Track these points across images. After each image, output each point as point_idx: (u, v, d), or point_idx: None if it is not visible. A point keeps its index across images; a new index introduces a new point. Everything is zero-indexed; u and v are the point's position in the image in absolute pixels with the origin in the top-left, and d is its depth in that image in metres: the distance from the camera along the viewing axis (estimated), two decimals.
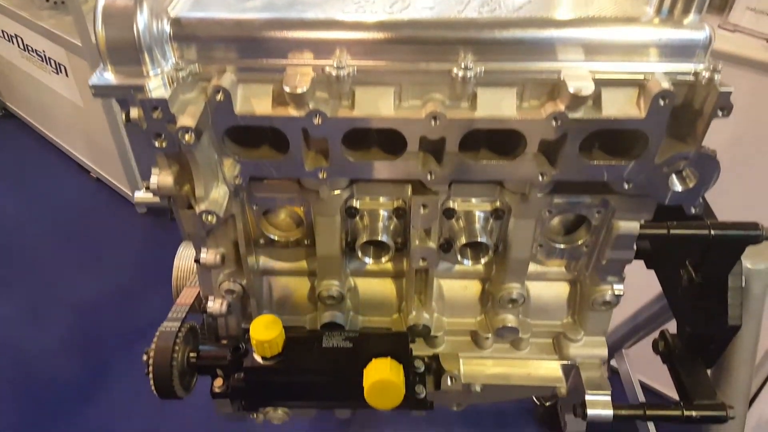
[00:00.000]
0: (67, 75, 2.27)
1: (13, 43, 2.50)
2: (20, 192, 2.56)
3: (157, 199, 0.59)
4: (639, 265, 0.81)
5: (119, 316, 1.94)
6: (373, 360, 0.65)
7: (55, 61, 2.29)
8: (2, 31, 2.52)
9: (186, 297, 0.78)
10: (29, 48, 2.41)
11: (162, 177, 0.57)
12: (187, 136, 0.51)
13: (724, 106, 0.51)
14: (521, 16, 0.52)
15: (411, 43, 0.52)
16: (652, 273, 0.87)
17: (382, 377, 0.63)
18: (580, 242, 0.69)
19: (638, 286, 0.88)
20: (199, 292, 0.78)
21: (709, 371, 0.80)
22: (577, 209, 0.65)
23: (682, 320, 0.80)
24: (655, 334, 0.86)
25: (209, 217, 0.58)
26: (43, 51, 2.32)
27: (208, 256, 0.70)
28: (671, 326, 0.88)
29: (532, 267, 0.73)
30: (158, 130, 0.52)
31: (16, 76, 2.68)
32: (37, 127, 2.84)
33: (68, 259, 2.20)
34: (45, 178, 2.63)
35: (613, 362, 1.40)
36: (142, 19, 0.50)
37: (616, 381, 1.35)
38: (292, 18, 0.53)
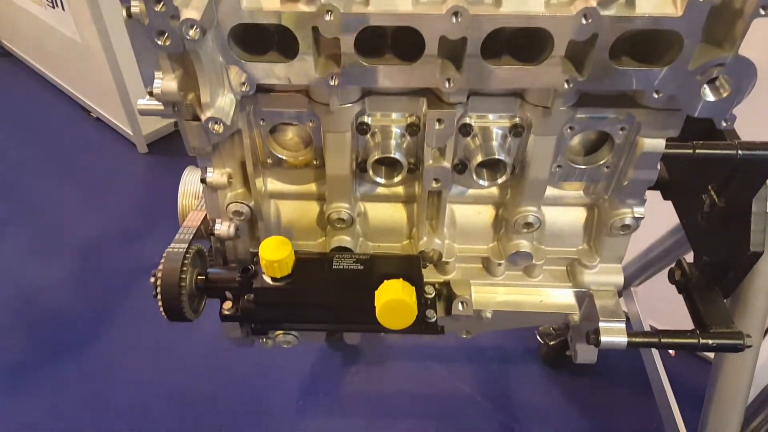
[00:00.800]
0: (63, 9, 2.19)
1: None
2: (19, 131, 2.53)
3: (161, 107, 0.56)
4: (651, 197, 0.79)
5: (122, 256, 1.94)
6: (385, 281, 0.64)
7: None
8: None
9: (192, 220, 0.76)
10: None
11: (166, 81, 0.54)
12: (191, 32, 0.48)
13: (767, 3, 0.47)
14: None
15: None
16: (662, 208, 0.84)
17: (394, 296, 0.62)
18: (602, 162, 0.66)
19: (649, 222, 0.85)
20: (205, 216, 0.77)
21: (726, 301, 0.79)
22: (600, 125, 0.62)
23: (701, 249, 0.78)
24: (664, 274, 0.84)
25: (215, 126, 0.56)
26: None
27: (214, 175, 0.68)
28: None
29: (549, 191, 0.70)
30: (161, 27, 0.49)
31: (12, 12, 2.59)
32: (35, 66, 2.77)
33: (69, 198, 2.19)
34: (44, 117, 2.59)
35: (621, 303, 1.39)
36: None
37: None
38: None
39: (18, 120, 2.59)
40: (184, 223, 0.77)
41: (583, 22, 0.49)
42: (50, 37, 2.41)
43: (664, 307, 0.91)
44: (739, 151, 0.64)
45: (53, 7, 2.26)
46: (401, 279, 0.63)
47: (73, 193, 2.21)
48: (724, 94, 0.55)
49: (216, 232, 0.73)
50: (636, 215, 0.68)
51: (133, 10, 0.49)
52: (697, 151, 0.65)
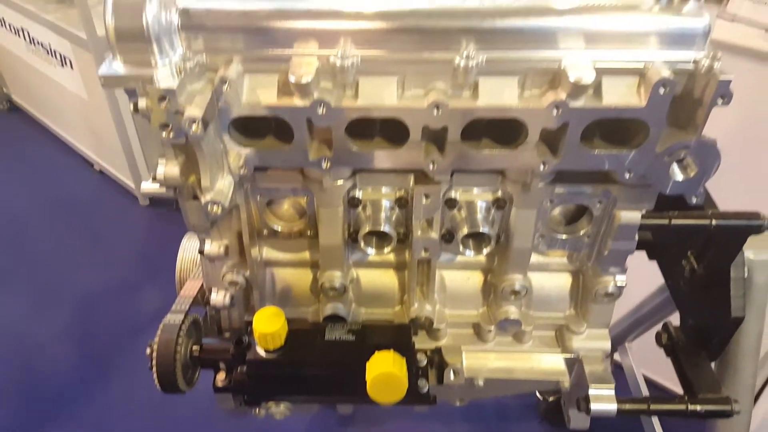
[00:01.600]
0: (72, 68, 2.28)
1: (19, 36, 2.51)
2: (24, 184, 2.58)
3: (163, 190, 0.60)
4: (640, 256, 0.82)
5: (122, 309, 1.95)
6: (376, 353, 0.65)
7: (60, 54, 2.30)
8: (9, 25, 2.54)
9: (189, 289, 0.78)
10: (35, 41, 2.42)
11: (168, 168, 0.57)
12: (194, 127, 0.52)
13: (724, 94, 0.52)
14: (522, 5, 0.52)
15: (413, 33, 0.53)
16: (653, 264, 0.87)
17: (384, 370, 0.63)
18: (581, 233, 0.69)
19: (641, 278, 0.88)
20: (202, 284, 0.79)
21: (713, 364, 0.80)
22: (578, 199, 0.66)
23: (685, 312, 0.80)
24: (658, 327, 0.86)
25: (215, 208, 0.59)
26: (49, 44, 2.34)
27: (212, 247, 0.71)
28: (674, 319, 0.89)
29: (534, 258, 0.73)
30: (166, 121, 0.53)
31: (22, 69, 2.69)
32: (42, 120, 2.86)
33: (71, 251, 2.21)
34: (49, 170, 2.65)
35: (616, 356, 1.40)
36: (151, 10, 0.51)
37: (619, 375, 1.35)
38: (297, 8, 0.53)
39: (23, 172, 2.66)
40: (181, 292, 0.79)
41: (554, 113, 0.53)
42: (58, 93, 2.50)
43: (657, 356, 0.93)
44: (713, 221, 0.68)
45: (62, 66, 2.35)
46: (392, 350, 0.65)
47: (75, 245, 2.24)
48: (692, 174, 0.58)
49: (212, 301, 0.75)
50: (618, 284, 0.70)
51: (140, 105, 0.53)
52: (672, 221, 0.68)
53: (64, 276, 2.10)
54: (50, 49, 2.35)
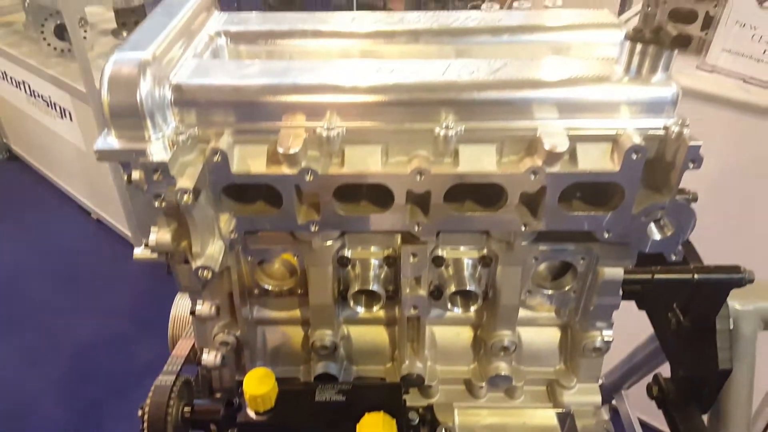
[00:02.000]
0: (71, 119, 2.33)
1: (20, 88, 2.57)
2: (22, 232, 2.59)
3: (155, 256, 0.61)
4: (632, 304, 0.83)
5: (116, 360, 1.93)
6: (366, 415, 0.65)
7: (60, 107, 2.36)
8: (10, 78, 2.60)
9: (181, 348, 0.79)
10: (36, 93, 2.48)
11: (161, 235, 0.59)
12: (185, 197, 0.53)
13: (695, 158, 0.54)
14: (498, 78, 0.55)
15: (396, 105, 0.55)
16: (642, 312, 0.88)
17: None
18: (567, 288, 0.70)
19: (636, 322, 0.88)
20: (194, 344, 0.80)
21: (705, 416, 0.80)
22: (562, 256, 0.67)
23: (675, 363, 0.81)
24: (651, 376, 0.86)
25: (205, 273, 0.60)
26: (49, 96, 2.40)
27: (203, 308, 0.72)
28: (666, 367, 0.89)
29: (523, 312, 0.74)
30: (158, 191, 0.54)
31: (22, 120, 2.75)
32: (40, 170, 2.89)
33: (66, 301, 2.21)
34: (46, 219, 2.67)
35: (613, 401, 1.38)
36: (145, 86, 0.53)
37: (616, 420, 1.33)
38: (286, 83, 0.56)
39: (21, 220, 2.67)
40: (173, 352, 0.79)
41: (532, 178, 0.55)
42: (57, 144, 2.54)
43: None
44: (695, 276, 0.69)
45: (62, 118, 2.40)
46: (382, 411, 0.65)
47: (70, 294, 2.24)
48: (669, 233, 0.60)
49: (203, 361, 0.75)
50: (605, 339, 0.71)
51: (134, 177, 0.55)
52: (655, 276, 0.69)
53: (59, 326, 2.09)
54: (50, 102, 2.40)
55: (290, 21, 0.67)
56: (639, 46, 0.56)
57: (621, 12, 2.71)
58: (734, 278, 0.69)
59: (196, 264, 0.60)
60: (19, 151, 3.02)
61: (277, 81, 0.56)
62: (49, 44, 2.34)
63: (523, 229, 0.60)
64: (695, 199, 0.73)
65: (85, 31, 2.28)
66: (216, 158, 0.55)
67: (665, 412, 0.79)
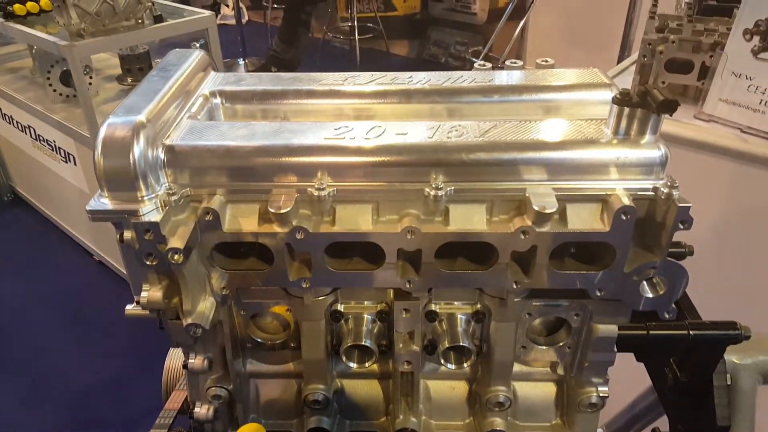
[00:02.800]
0: (75, 164, 2.37)
1: (25, 133, 2.62)
2: (24, 273, 2.60)
3: (146, 313, 0.61)
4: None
5: (115, 404, 1.91)
6: None
7: (64, 151, 2.40)
8: (17, 122, 2.66)
9: (174, 401, 0.78)
10: (41, 138, 2.53)
11: (152, 293, 0.59)
12: (176, 257, 0.54)
13: (685, 219, 0.54)
14: (487, 140, 0.56)
15: (387, 166, 0.56)
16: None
17: None
18: (561, 344, 0.69)
19: (638, 368, 0.86)
20: (187, 396, 0.79)
21: None
22: (556, 312, 0.67)
23: (673, 418, 0.79)
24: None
25: (196, 330, 0.60)
26: (54, 141, 2.44)
27: (195, 361, 0.71)
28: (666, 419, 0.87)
29: (518, 367, 0.73)
30: (149, 251, 0.55)
31: (27, 163, 2.79)
32: (44, 211, 2.92)
33: (68, 343, 2.19)
34: (49, 259, 2.68)
35: None
36: (138, 149, 0.55)
37: None
38: (277, 145, 0.57)
39: (24, 261, 2.68)
40: (166, 404, 0.78)
41: (522, 238, 0.55)
42: (60, 186, 2.57)
43: None
44: (691, 332, 0.68)
45: (66, 162, 2.43)
46: None
47: (71, 335, 2.23)
48: (661, 292, 0.60)
49: (195, 415, 0.74)
50: (601, 394, 0.70)
51: (126, 236, 0.55)
52: (650, 332, 0.69)
53: (59, 367, 2.07)
54: (55, 146, 2.44)
55: (285, 81, 0.69)
56: (627, 110, 0.57)
57: (620, 60, 2.77)
58: (731, 335, 0.69)
59: (186, 321, 0.60)
60: (24, 193, 3.05)
61: (268, 143, 0.57)
62: (54, 90, 2.39)
63: (514, 287, 0.60)
64: (691, 253, 0.73)
65: (90, 78, 2.34)
66: (207, 217, 0.56)
67: None
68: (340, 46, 5.44)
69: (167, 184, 0.56)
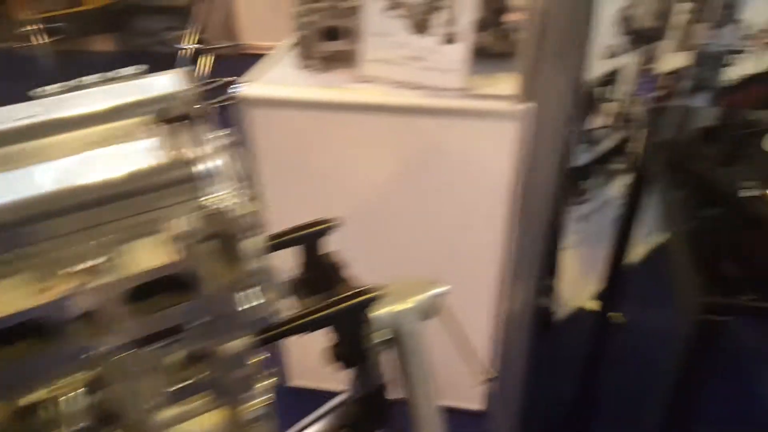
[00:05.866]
0: None
1: None
2: None
3: None
4: None
5: None
6: None
7: None
8: None
9: None
10: None
11: None
12: None
13: (253, 225, 0.53)
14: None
15: None
16: None
17: None
18: (204, 374, 0.65)
19: None
20: None
21: None
22: (179, 348, 0.62)
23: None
24: None
25: None
26: None
27: None
28: None
29: (178, 410, 0.67)
30: None
31: None
32: None
33: None
34: None
35: None
36: None
37: None
38: None
39: None
40: None
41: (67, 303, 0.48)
42: None
43: None
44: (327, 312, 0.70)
45: None
46: None
47: None
48: (266, 294, 0.59)
49: None
50: (257, 407, 0.68)
51: None
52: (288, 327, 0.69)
53: None
54: None
55: None
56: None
57: None
58: (363, 301, 0.73)
59: None
60: None
61: None
62: None
63: (102, 349, 0.52)
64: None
65: None
66: None
67: None
68: (29, 54, 4.59)
69: None
